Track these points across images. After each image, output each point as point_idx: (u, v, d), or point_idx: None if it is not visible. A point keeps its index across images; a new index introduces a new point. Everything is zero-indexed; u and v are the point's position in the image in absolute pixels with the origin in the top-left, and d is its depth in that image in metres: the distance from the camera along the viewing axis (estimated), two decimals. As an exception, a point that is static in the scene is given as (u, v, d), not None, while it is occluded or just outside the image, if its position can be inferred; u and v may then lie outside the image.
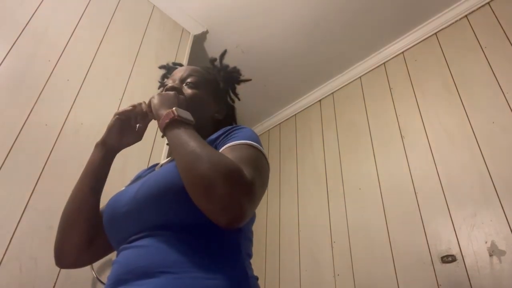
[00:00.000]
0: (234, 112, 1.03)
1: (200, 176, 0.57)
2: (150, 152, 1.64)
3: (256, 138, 0.74)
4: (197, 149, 0.61)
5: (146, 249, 0.62)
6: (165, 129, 0.68)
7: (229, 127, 0.77)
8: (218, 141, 0.74)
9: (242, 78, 1.03)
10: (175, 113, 0.68)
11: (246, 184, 0.58)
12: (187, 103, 0.84)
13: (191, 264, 0.59)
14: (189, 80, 0.90)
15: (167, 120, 0.68)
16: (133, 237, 0.66)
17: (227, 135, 0.74)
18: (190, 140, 0.63)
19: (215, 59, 1.03)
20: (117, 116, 0.83)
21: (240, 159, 0.63)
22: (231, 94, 1.03)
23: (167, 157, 1.68)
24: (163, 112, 0.71)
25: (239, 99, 1.04)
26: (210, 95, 0.92)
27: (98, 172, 0.84)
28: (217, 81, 0.98)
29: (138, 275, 0.59)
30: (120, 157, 1.50)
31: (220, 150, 0.69)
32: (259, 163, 0.67)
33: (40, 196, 1.24)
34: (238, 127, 0.77)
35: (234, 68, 1.03)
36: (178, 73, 0.93)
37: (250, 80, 1.04)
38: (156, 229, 0.64)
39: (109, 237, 0.75)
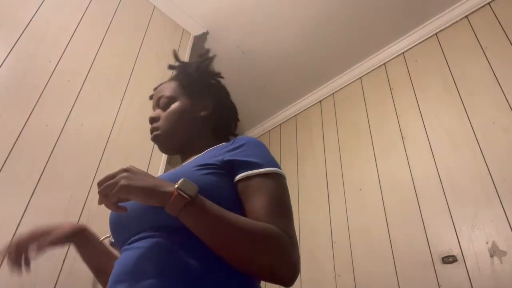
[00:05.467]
0: (222, 93, 0.97)
1: (257, 265, 0.59)
2: (150, 154, 1.64)
3: (267, 153, 0.75)
4: (234, 233, 0.60)
5: (144, 250, 0.63)
6: (180, 215, 0.59)
7: (238, 140, 0.77)
8: (229, 154, 0.73)
9: (207, 59, 0.97)
10: (185, 195, 0.58)
11: (292, 251, 0.62)
12: (167, 128, 0.86)
13: (188, 267, 0.59)
14: (161, 100, 0.90)
15: (181, 207, 0.58)
16: (133, 238, 0.67)
17: (236, 149, 0.74)
18: (219, 221, 0.60)
19: (171, 66, 1.01)
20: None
21: (272, 210, 0.65)
22: (213, 78, 0.97)
23: (166, 161, 1.69)
24: (162, 191, 0.59)
25: (221, 77, 0.99)
26: (185, 99, 0.90)
27: (86, 261, 0.86)
28: (187, 79, 0.94)
29: (134, 276, 0.59)
30: (120, 159, 1.51)
31: (246, 179, 0.69)
32: (286, 201, 0.70)
33: (41, 197, 1.24)
34: (244, 141, 0.76)
35: (197, 58, 0.98)
36: (154, 100, 0.94)
37: (215, 56, 0.98)
38: (155, 230, 0.65)
39: (114, 240, 0.75)
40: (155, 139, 0.88)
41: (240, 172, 0.70)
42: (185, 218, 0.59)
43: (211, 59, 0.97)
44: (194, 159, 0.78)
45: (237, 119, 0.99)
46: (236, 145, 0.75)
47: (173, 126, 0.86)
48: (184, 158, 0.90)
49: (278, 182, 0.70)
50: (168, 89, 0.92)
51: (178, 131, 0.87)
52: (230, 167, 0.71)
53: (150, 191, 0.59)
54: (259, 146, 0.76)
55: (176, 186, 0.58)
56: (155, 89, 0.98)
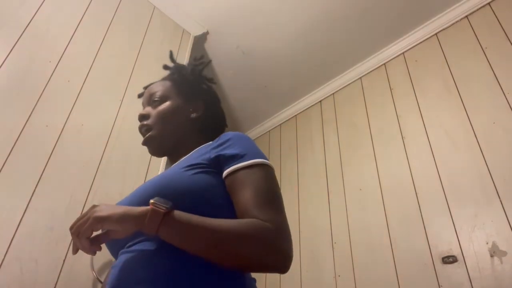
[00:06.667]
0: (212, 97, 0.97)
1: (245, 259, 0.59)
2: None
3: (252, 145, 0.75)
4: (215, 237, 0.59)
5: (140, 254, 0.63)
6: (159, 231, 0.59)
7: (224, 136, 0.77)
8: (215, 151, 0.74)
9: (202, 63, 0.98)
10: (161, 207, 0.59)
11: (277, 239, 0.61)
12: (158, 124, 0.86)
13: (183, 271, 0.59)
14: (153, 98, 0.91)
15: (159, 221, 0.58)
16: (131, 242, 0.66)
17: (222, 144, 0.74)
18: (198, 228, 0.59)
19: (166, 65, 1.01)
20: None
21: (257, 201, 0.64)
22: (206, 82, 0.98)
23: (166, 162, 1.69)
24: (136, 213, 0.60)
25: (214, 83, 1.00)
26: (178, 99, 0.91)
27: None
28: (181, 80, 0.95)
29: (131, 282, 0.59)
30: (120, 159, 1.51)
31: (232, 174, 0.69)
32: (273, 190, 0.68)
33: (41, 197, 1.24)
34: (229, 136, 0.76)
35: (192, 61, 0.99)
36: (145, 97, 0.94)
37: (210, 61, 1.00)
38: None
39: (108, 246, 0.74)
40: (147, 140, 0.87)
41: (225, 167, 0.70)
42: (164, 232, 0.59)
43: (206, 64, 0.98)
44: (182, 161, 0.78)
45: (225, 125, 1.00)
46: (222, 141, 0.75)
47: (164, 125, 0.87)
48: (173, 160, 0.90)
49: (262, 172, 0.69)
50: (161, 88, 0.92)
51: (169, 131, 0.87)
52: (217, 164, 0.72)
53: (123, 216, 0.59)
54: (243, 139, 0.76)
55: (151, 201, 0.59)
56: (145, 87, 0.98)
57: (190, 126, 0.90)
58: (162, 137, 0.87)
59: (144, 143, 0.88)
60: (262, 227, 0.60)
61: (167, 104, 0.89)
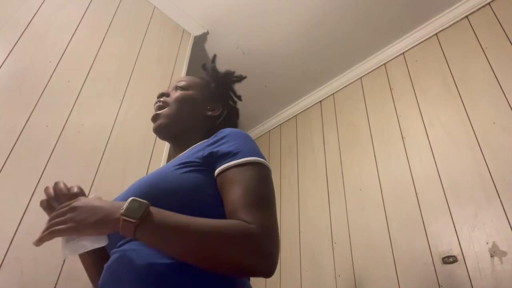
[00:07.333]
0: (233, 110, 1.01)
1: (225, 263, 0.57)
2: (150, 154, 1.64)
3: (248, 143, 0.73)
4: (196, 240, 0.57)
5: (128, 254, 0.62)
6: (136, 237, 0.57)
7: (219, 133, 0.76)
8: (209, 148, 0.73)
9: (236, 76, 1.03)
10: (131, 220, 0.55)
11: (263, 243, 0.59)
12: (176, 105, 0.89)
13: (171, 271, 0.58)
14: (178, 85, 0.93)
15: (132, 230, 0.56)
16: (121, 242, 0.66)
17: (216, 142, 0.74)
18: (176, 232, 0.57)
19: (204, 64, 1.06)
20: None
21: (246, 201, 0.62)
22: (232, 95, 1.03)
23: (167, 160, 1.69)
24: (111, 220, 0.57)
25: (240, 99, 1.03)
26: (200, 94, 0.94)
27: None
28: (209, 80, 0.99)
29: (119, 281, 0.59)
30: (120, 159, 1.51)
31: (222, 172, 0.67)
32: (263, 190, 0.66)
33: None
34: (226, 133, 0.75)
35: (229, 70, 1.03)
36: (171, 83, 0.98)
37: (245, 77, 1.04)
38: None
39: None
40: (157, 116, 0.89)
41: (217, 165, 0.69)
42: (141, 238, 0.57)
43: (241, 79, 1.03)
44: (179, 157, 0.77)
45: None
46: (217, 138, 0.74)
47: (178, 109, 0.89)
48: (175, 150, 0.91)
49: (255, 171, 0.67)
50: (188, 80, 0.96)
51: (181, 117, 0.89)
52: (210, 162, 0.70)
53: (100, 223, 0.57)
54: (239, 136, 0.74)
55: (121, 212, 0.56)
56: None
57: (202, 122, 0.92)
58: (172, 119, 0.88)
59: (152, 119, 0.90)
60: (245, 229, 0.58)
61: (188, 92, 0.92)
